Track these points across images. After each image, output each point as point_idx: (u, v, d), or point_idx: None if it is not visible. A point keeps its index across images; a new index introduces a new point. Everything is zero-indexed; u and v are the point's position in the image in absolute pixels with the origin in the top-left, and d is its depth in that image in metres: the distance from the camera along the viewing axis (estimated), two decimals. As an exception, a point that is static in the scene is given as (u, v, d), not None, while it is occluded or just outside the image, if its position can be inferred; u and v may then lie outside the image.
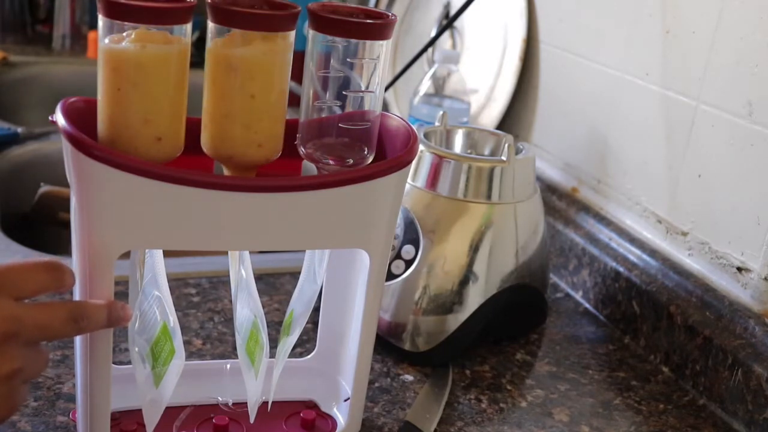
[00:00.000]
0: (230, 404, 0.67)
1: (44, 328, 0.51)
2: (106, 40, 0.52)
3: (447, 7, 1.20)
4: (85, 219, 0.53)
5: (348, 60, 0.56)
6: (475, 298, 0.78)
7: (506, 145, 0.80)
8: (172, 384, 0.60)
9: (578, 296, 0.95)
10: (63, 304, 0.53)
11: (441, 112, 0.87)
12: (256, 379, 0.61)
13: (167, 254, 0.61)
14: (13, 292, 0.51)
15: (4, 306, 0.50)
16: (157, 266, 0.61)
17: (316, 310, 0.67)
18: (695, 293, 0.81)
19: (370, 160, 0.60)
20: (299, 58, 0.55)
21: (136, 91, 0.52)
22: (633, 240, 0.91)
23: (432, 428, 0.69)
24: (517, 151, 0.82)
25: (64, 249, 1.03)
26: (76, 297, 0.56)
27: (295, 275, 0.90)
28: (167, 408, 0.61)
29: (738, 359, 0.73)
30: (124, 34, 0.52)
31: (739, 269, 0.79)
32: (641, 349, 0.85)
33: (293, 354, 0.69)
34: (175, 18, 0.52)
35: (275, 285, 0.90)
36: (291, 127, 0.58)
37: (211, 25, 0.54)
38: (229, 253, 0.61)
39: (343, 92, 0.57)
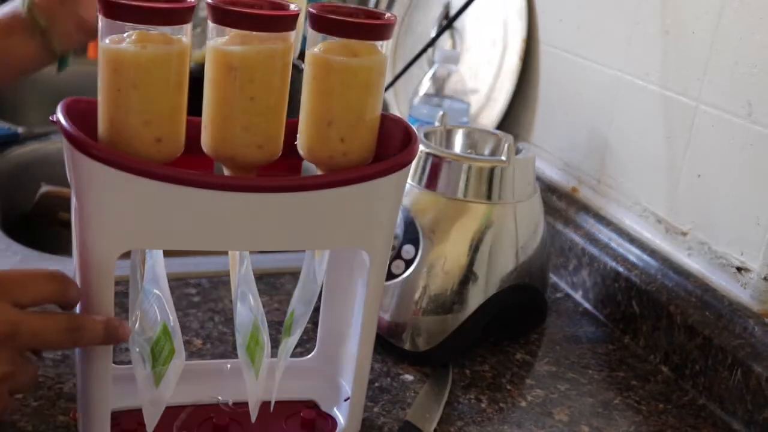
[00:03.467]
0: (230, 404, 0.67)
1: (39, 335, 0.51)
2: (107, 41, 0.52)
3: (447, 7, 1.20)
4: (86, 219, 0.53)
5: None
6: (475, 298, 0.78)
7: (506, 145, 0.80)
8: (172, 384, 0.60)
9: (578, 296, 0.95)
10: (61, 314, 0.53)
11: (441, 112, 0.87)
12: (256, 379, 0.62)
13: (167, 254, 0.61)
14: (13, 297, 0.51)
15: (1, 310, 0.50)
16: (157, 266, 0.61)
17: (316, 310, 0.67)
18: (695, 293, 0.81)
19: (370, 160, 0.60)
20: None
21: (136, 92, 0.52)
22: (633, 240, 0.91)
23: (432, 428, 0.69)
24: (517, 151, 0.82)
25: (65, 249, 1.03)
26: (77, 297, 0.56)
27: (295, 275, 0.90)
28: (167, 408, 0.62)
29: (737, 359, 0.73)
30: (125, 35, 0.52)
31: (739, 269, 0.79)
32: (641, 348, 0.85)
33: (293, 354, 0.69)
34: (175, 18, 0.52)
35: (275, 285, 0.90)
36: (291, 128, 0.58)
37: (211, 25, 0.54)
38: (230, 253, 0.61)
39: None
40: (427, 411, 0.71)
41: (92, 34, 0.70)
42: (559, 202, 1.01)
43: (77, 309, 0.57)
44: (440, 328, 0.78)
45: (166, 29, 0.52)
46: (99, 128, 0.54)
